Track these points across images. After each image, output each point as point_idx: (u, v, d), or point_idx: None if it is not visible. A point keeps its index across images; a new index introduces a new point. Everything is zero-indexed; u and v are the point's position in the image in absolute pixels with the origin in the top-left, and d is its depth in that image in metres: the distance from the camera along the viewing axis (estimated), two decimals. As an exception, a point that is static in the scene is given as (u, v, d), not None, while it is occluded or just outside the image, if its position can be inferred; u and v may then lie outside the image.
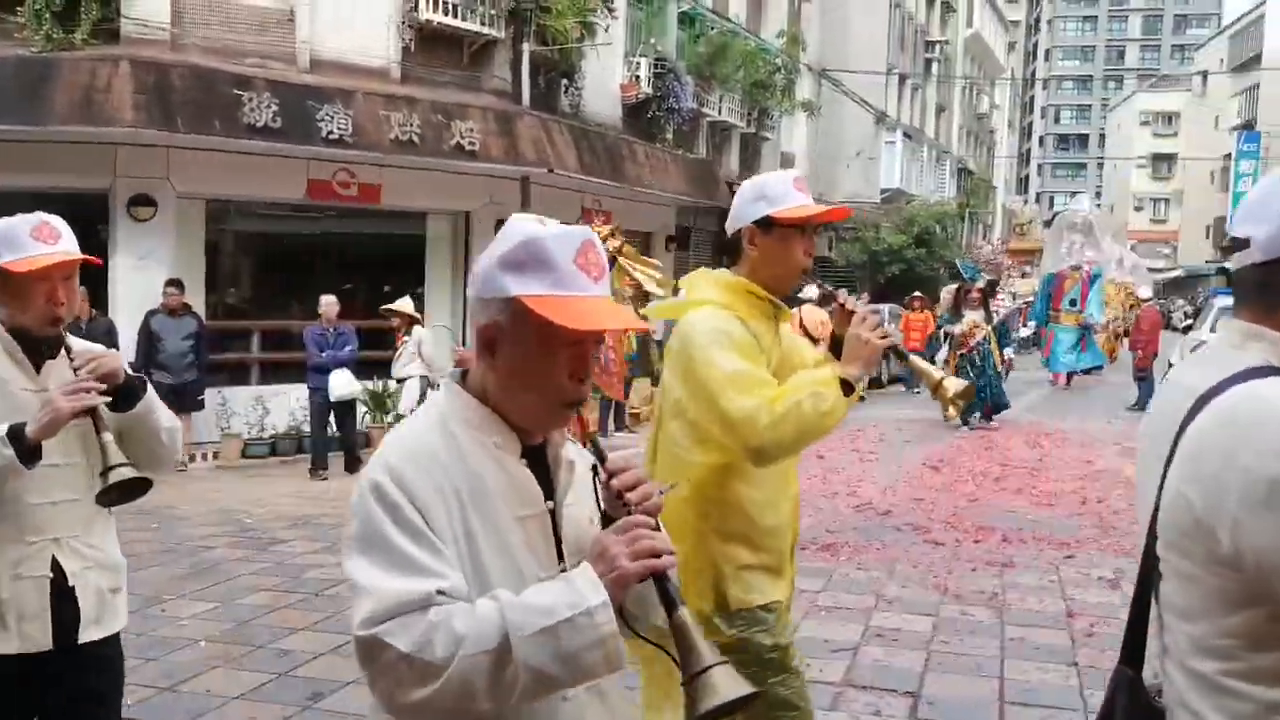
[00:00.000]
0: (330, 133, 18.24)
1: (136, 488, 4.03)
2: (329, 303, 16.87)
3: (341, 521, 10.12)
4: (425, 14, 20.26)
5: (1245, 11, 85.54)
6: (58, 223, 4.14)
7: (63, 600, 4.13)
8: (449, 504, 2.44)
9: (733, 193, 17.39)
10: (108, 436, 4.01)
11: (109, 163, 17.58)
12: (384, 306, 18.12)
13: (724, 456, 4.14)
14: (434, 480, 2.44)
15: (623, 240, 12.92)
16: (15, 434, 3.84)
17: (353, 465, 16.97)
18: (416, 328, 17.95)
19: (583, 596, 2.31)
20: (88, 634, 4.22)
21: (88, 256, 4.26)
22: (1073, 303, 30.17)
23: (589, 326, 2.48)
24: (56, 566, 4.12)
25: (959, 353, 22.86)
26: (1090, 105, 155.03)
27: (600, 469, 2.57)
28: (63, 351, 4.20)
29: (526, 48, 22.05)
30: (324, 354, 16.51)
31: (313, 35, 19.32)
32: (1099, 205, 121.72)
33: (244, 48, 18.61)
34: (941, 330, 25.11)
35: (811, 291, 23.86)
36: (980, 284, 23.44)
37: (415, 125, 19.25)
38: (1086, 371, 32.79)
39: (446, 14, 20.64)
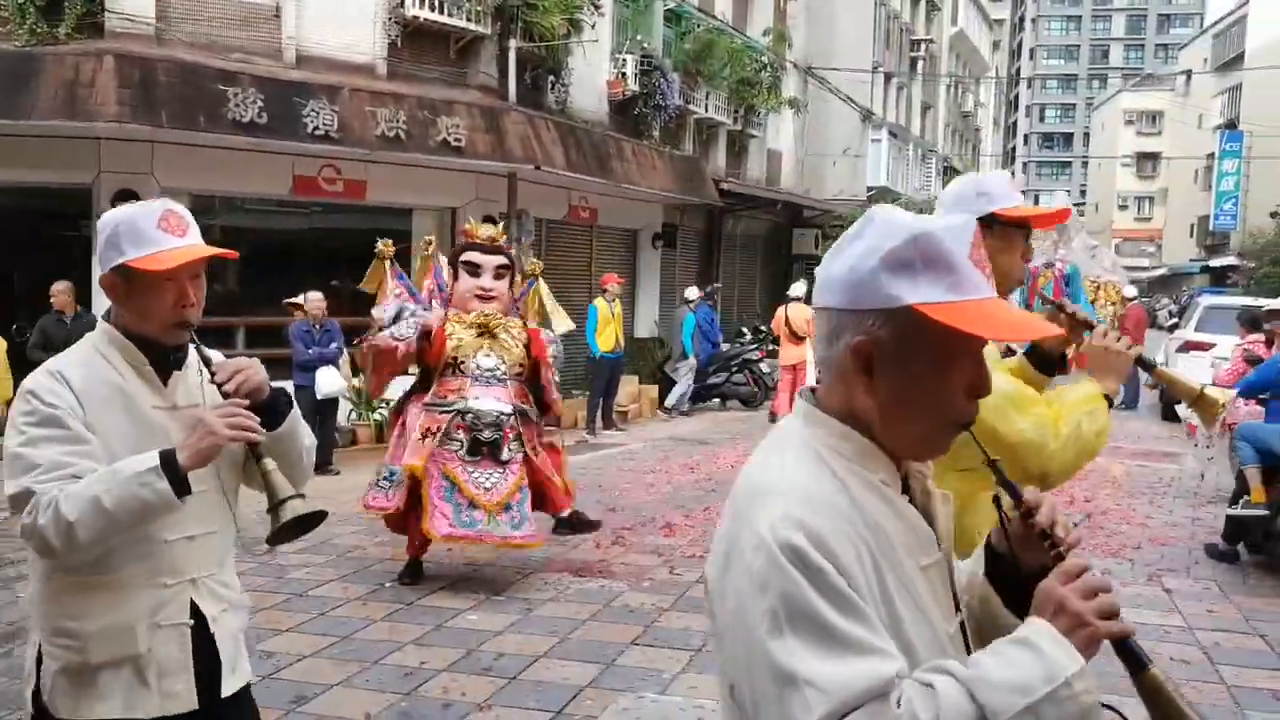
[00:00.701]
0: (316, 128, 18.16)
1: (309, 522, 3.59)
2: (315, 299, 16.77)
3: (325, 520, 9.98)
4: (411, 10, 20.18)
5: (1228, 11, 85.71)
6: (183, 211, 3.65)
7: (202, 649, 3.66)
8: (862, 561, 2.07)
9: (720, 191, 17.38)
10: (270, 464, 3.56)
11: (93, 157, 17.52)
12: (288, 300, 17.66)
13: (977, 485, 3.52)
14: (846, 535, 2.07)
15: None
16: (166, 461, 3.32)
17: (325, 463, 16.91)
18: None
19: (1058, 665, 1.99)
20: (228, 685, 3.77)
21: (220, 250, 3.77)
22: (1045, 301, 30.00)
23: (1007, 336, 2.23)
24: (196, 611, 3.65)
25: None
26: (1074, 104, 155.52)
27: (1016, 504, 2.24)
28: (189, 361, 3.73)
29: (513, 44, 21.98)
30: (310, 351, 16.44)
31: (299, 31, 19.26)
32: (1084, 203, 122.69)
33: (229, 43, 18.55)
34: None
35: (799, 289, 23.84)
36: None
37: (401, 121, 19.18)
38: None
39: (433, 10, 20.56)
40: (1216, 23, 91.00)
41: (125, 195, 17.32)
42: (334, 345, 16.66)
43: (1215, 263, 73.15)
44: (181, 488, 3.33)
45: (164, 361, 3.67)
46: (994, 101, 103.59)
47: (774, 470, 2.18)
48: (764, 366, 26.52)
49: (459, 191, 21.63)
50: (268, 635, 8.71)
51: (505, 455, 10.08)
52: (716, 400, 26.31)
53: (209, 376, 3.62)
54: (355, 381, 18.01)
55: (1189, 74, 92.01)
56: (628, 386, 23.43)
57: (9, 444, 3.36)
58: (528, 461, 10.33)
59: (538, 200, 23.15)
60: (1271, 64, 64.92)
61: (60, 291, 16.01)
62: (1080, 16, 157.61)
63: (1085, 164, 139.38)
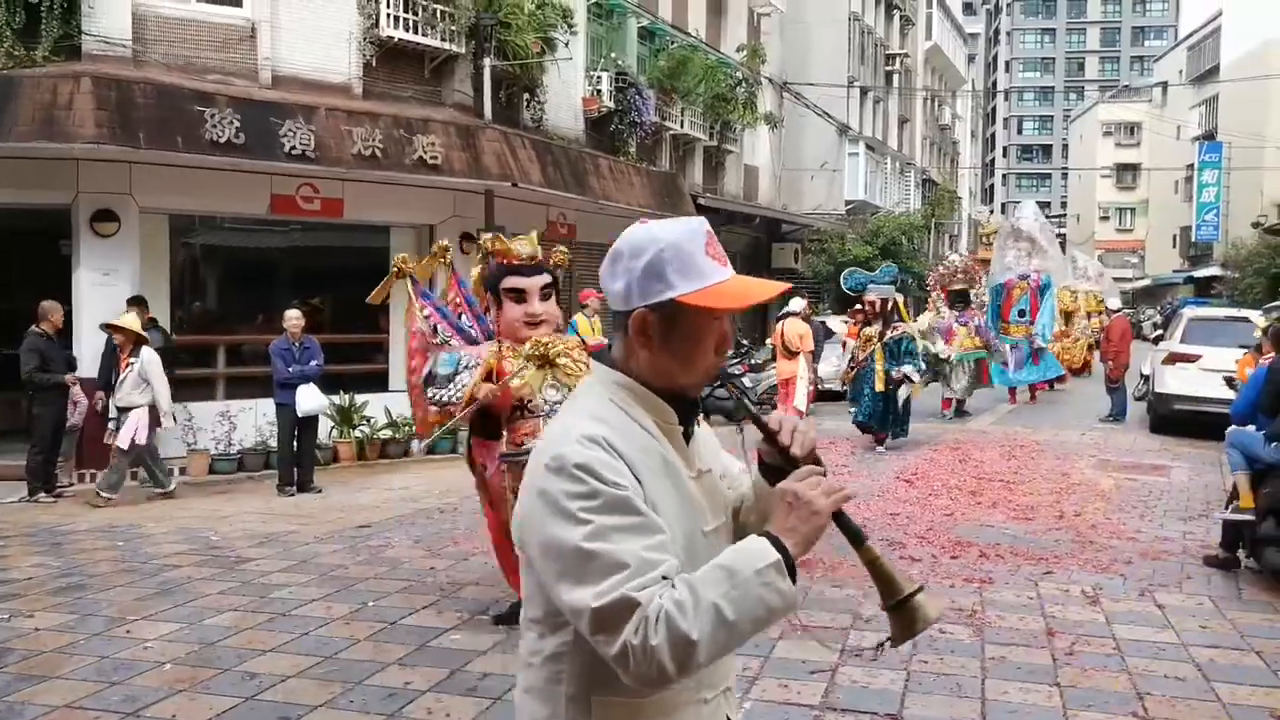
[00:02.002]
0: (293, 148, 18.13)
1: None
2: (294, 317, 16.72)
3: (308, 539, 9.90)
4: (386, 30, 20.26)
5: (1202, 24, 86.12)
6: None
7: None
8: None
9: (698, 206, 17.07)
10: (877, 547, 2.80)
11: (71, 178, 17.45)
12: (104, 323, 16.55)
13: None
14: None
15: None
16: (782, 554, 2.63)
17: (307, 482, 16.80)
18: (144, 349, 15.97)
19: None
20: None
21: (782, 284, 2.95)
22: (1021, 314, 29.81)
23: None
24: None
25: (851, 369, 21.75)
26: (1052, 116, 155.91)
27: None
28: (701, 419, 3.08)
29: (488, 63, 22.01)
30: (290, 369, 16.38)
31: (274, 52, 19.28)
32: (1065, 214, 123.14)
33: (206, 64, 18.53)
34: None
35: (797, 304, 23.80)
36: (870, 296, 21.73)
37: (377, 140, 19.16)
38: (1050, 384, 32.57)
39: (407, 30, 20.66)
40: (1190, 35, 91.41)
41: (104, 215, 17.34)
42: (314, 363, 16.59)
43: (1199, 273, 73.45)
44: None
45: (687, 419, 3.04)
46: (971, 114, 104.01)
47: None
48: (746, 380, 26.47)
49: (436, 209, 21.59)
50: (250, 656, 8.60)
51: None
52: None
53: (760, 435, 2.99)
54: (334, 398, 17.94)
55: (1165, 86, 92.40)
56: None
57: (563, 535, 2.62)
58: None
59: (515, 217, 23.09)
60: (1247, 75, 65.22)
61: (55, 311, 15.91)
62: (1054, 30, 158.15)
63: (1065, 175, 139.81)
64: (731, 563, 2.60)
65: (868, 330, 21.29)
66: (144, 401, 15.86)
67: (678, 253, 2.80)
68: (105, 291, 17.46)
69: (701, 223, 2.91)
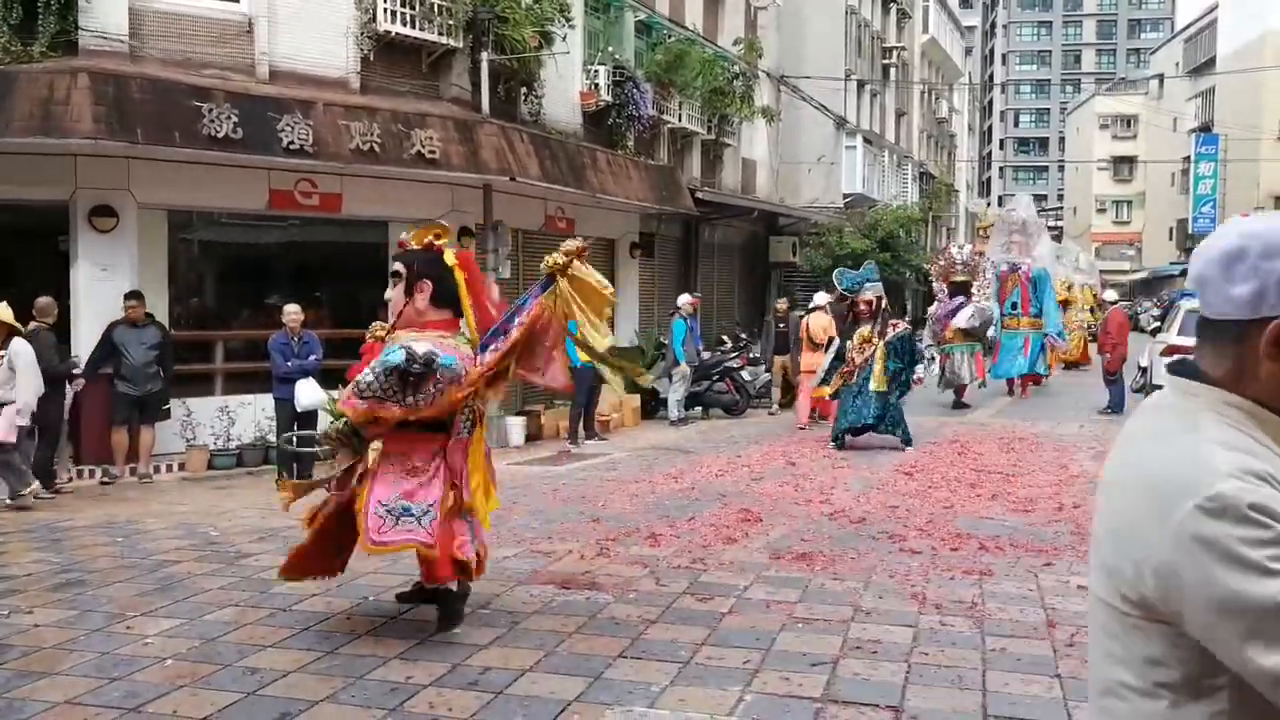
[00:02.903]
0: (291, 143, 18.09)
1: None
2: (293, 312, 16.72)
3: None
4: (384, 24, 20.18)
5: (1198, 16, 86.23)
6: None
7: None
8: None
9: (696, 200, 16.74)
10: None
11: (69, 174, 17.45)
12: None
13: None
14: None
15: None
16: None
17: (304, 476, 16.77)
18: (16, 339, 14.95)
19: None
20: None
21: None
22: (1014, 306, 29.92)
23: None
24: None
25: (845, 371, 20.73)
26: (1049, 109, 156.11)
27: None
28: None
29: (485, 57, 21.94)
30: (289, 363, 16.38)
31: (271, 46, 19.24)
32: (1061, 207, 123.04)
33: (203, 59, 18.48)
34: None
35: (821, 298, 23.82)
36: (867, 295, 20.74)
37: (375, 135, 19.12)
38: (1036, 381, 32.27)
39: (405, 24, 20.58)
40: (1187, 27, 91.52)
41: (102, 211, 17.32)
42: (313, 357, 16.60)
43: (1196, 265, 73.55)
44: None
45: None
46: (968, 107, 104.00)
47: None
48: (745, 374, 26.51)
49: (434, 204, 21.53)
50: (251, 651, 8.61)
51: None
52: (699, 409, 26.22)
53: None
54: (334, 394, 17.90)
55: (1161, 78, 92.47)
56: (610, 396, 23.35)
57: (1252, 591, 2.10)
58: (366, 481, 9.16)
59: (514, 211, 23.11)
60: (1243, 68, 65.24)
61: (53, 307, 15.86)
62: (1051, 22, 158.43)
63: (1062, 168, 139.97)
64: None
65: (864, 330, 20.60)
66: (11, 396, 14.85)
67: None
68: (103, 287, 17.44)
69: None
